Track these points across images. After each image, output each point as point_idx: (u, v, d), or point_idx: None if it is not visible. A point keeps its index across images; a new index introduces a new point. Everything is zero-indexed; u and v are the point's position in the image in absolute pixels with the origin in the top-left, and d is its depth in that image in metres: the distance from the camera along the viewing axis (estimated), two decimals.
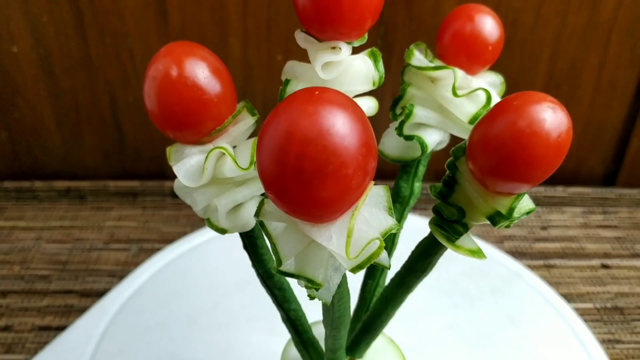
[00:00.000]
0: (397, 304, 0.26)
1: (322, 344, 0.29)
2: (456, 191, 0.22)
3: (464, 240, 0.23)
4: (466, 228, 0.22)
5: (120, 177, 0.56)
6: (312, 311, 0.29)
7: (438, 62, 0.25)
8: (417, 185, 0.27)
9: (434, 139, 0.26)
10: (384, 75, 0.24)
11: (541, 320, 0.45)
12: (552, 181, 0.59)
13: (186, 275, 0.48)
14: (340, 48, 0.22)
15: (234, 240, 0.50)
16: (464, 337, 0.44)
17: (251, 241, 0.26)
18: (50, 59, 0.50)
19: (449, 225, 0.22)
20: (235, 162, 0.22)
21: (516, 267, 0.49)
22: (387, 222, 0.19)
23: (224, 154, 0.23)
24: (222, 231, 0.24)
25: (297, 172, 0.17)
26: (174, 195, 0.56)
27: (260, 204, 0.21)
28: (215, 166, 0.23)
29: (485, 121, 0.20)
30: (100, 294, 0.46)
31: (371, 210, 0.20)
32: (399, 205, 0.27)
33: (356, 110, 0.18)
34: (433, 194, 0.23)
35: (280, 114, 0.18)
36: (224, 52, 0.50)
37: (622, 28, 0.50)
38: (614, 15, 0.50)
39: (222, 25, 0.49)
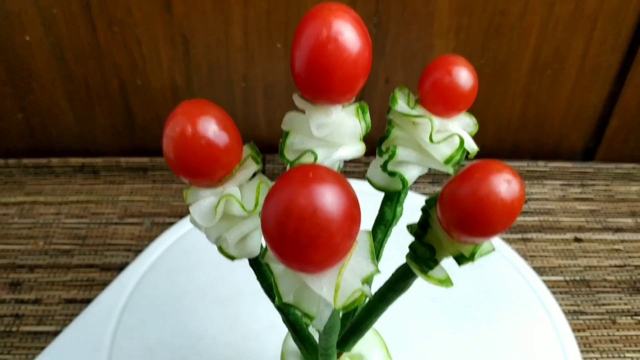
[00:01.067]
0: (379, 313, 0.31)
1: (317, 338, 0.34)
2: (428, 232, 0.26)
3: (435, 272, 0.27)
4: (436, 263, 0.27)
5: (130, 153, 0.60)
6: None
7: (419, 109, 0.29)
8: (399, 209, 0.31)
9: (413, 174, 0.29)
10: (370, 125, 0.27)
11: (514, 293, 0.50)
12: (534, 156, 0.62)
13: (195, 251, 0.53)
14: (332, 111, 0.26)
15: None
16: (442, 309, 0.49)
17: (256, 261, 0.30)
18: (62, 47, 0.53)
19: (422, 260, 0.27)
20: (243, 207, 0.26)
21: (495, 241, 0.54)
22: (369, 268, 0.24)
23: (232, 199, 0.26)
24: (232, 258, 0.29)
25: (294, 242, 0.21)
26: None
27: (265, 250, 0.25)
28: (225, 207, 0.27)
29: (453, 184, 0.24)
30: (118, 267, 0.51)
31: (356, 260, 0.24)
32: (383, 227, 0.31)
33: (343, 187, 0.22)
34: (410, 232, 0.27)
35: (281, 192, 0.21)
36: (225, 41, 0.53)
37: (607, 16, 0.53)
38: (600, 4, 0.52)
39: (224, 15, 0.51)
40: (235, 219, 0.28)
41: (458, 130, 0.29)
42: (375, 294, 0.30)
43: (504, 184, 0.23)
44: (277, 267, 0.25)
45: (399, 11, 0.52)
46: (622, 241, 0.55)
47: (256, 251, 0.29)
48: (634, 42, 0.54)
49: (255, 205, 0.27)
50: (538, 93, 0.58)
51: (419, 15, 0.52)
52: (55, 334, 0.46)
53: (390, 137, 0.29)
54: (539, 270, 0.52)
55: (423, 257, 0.26)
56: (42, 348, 0.45)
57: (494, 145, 0.62)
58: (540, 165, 0.61)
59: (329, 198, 0.21)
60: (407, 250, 0.27)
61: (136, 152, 0.60)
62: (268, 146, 0.60)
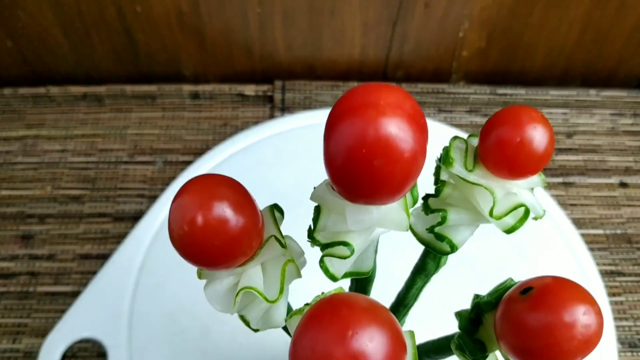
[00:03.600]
0: None
1: None
2: (480, 329, 0.23)
3: None
4: (485, 358, 0.23)
5: (136, 81, 0.54)
6: None
7: (478, 169, 0.24)
8: (443, 260, 0.27)
9: (465, 237, 0.25)
10: (418, 197, 0.23)
11: (549, 251, 0.47)
12: (585, 83, 0.56)
13: None
14: (372, 210, 0.21)
15: (259, 158, 0.50)
16: (471, 269, 0.46)
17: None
18: None
19: (470, 355, 0.24)
20: (265, 298, 0.23)
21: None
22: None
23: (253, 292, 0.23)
24: (255, 330, 0.26)
25: None
26: (192, 97, 0.54)
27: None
28: (244, 296, 0.24)
29: (521, 308, 0.20)
30: (132, 217, 0.49)
31: None
32: (424, 277, 0.28)
33: (388, 331, 0.18)
34: (459, 326, 0.24)
35: (314, 347, 0.18)
36: None
37: None
38: None
39: None
40: (256, 299, 0.25)
41: (523, 197, 0.24)
42: None
43: (583, 318, 0.19)
44: None
45: None
46: None
47: (281, 323, 0.26)
48: None
49: (280, 292, 0.23)
50: (600, 18, 0.50)
51: None
52: (73, 294, 0.45)
53: (441, 197, 0.24)
54: (578, 223, 0.49)
55: (472, 353, 0.23)
56: (62, 311, 0.44)
57: (543, 71, 0.55)
58: (592, 95, 0.55)
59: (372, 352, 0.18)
60: (450, 344, 0.24)
61: (142, 79, 0.54)
62: (288, 72, 0.54)
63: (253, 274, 0.23)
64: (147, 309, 0.45)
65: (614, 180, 0.52)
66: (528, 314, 0.20)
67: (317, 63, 0.54)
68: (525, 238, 0.48)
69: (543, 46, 0.52)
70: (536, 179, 0.25)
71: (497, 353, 0.24)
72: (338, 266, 0.22)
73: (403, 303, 0.30)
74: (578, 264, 0.47)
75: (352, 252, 0.22)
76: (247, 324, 0.26)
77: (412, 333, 0.21)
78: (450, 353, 0.26)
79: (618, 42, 0.52)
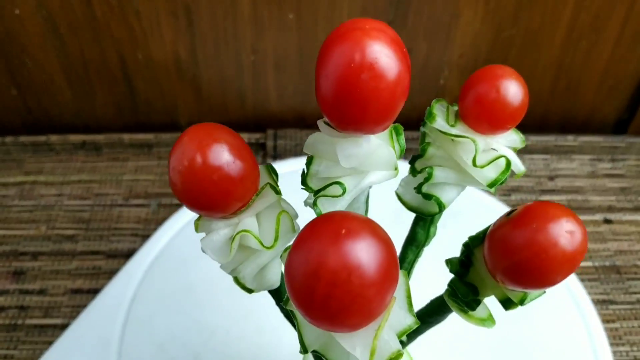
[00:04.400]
0: (409, 342, 0.28)
1: None
2: (471, 272, 0.24)
3: (477, 312, 0.24)
4: (478, 303, 0.24)
5: (134, 129, 0.56)
6: None
7: (460, 126, 0.25)
8: (433, 230, 0.28)
9: (451, 197, 0.26)
10: (405, 148, 0.24)
11: None
12: (563, 129, 0.59)
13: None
14: (361, 142, 0.22)
15: None
16: None
17: (279, 295, 0.28)
18: (54, 21, 0.48)
19: (463, 300, 0.24)
20: (261, 242, 0.24)
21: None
22: (407, 321, 0.21)
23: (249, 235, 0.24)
24: (249, 291, 0.26)
25: (324, 307, 0.18)
26: None
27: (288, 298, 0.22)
28: (240, 241, 0.24)
29: (506, 228, 0.21)
30: (125, 254, 0.49)
31: (393, 314, 0.21)
32: (415, 248, 0.29)
33: (380, 240, 0.19)
34: (450, 270, 0.24)
35: (309, 251, 0.19)
36: (233, 11, 0.48)
37: None
38: None
39: None
40: (251, 251, 0.25)
41: (504, 151, 0.25)
42: None
43: (566, 235, 0.20)
44: (302, 321, 0.22)
45: None
46: None
47: (276, 283, 0.26)
48: None
49: (275, 240, 0.24)
50: (571, 64, 0.53)
51: None
52: (63, 327, 0.45)
53: (426, 155, 0.26)
54: None
55: (464, 297, 0.24)
56: (49, 343, 0.44)
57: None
58: (569, 140, 0.57)
59: (364, 258, 0.18)
60: (443, 293, 0.25)
61: (140, 128, 0.56)
62: (280, 121, 0.57)
63: (248, 224, 0.24)
64: (137, 340, 0.44)
65: (598, 217, 0.53)
66: (512, 232, 0.21)
67: (307, 112, 0.56)
68: None
69: None
70: (515, 137, 0.26)
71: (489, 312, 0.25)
72: (331, 208, 0.23)
73: None
74: (570, 293, 0.47)
75: (344, 190, 0.23)
76: (242, 286, 0.26)
77: (405, 272, 0.22)
78: (445, 312, 0.26)
79: (590, 89, 0.56)
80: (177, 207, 0.53)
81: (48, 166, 0.55)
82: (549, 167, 0.57)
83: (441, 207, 0.26)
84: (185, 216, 0.51)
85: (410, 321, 0.21)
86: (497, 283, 0.22)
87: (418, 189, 0.26)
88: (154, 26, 0.49)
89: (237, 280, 0.26)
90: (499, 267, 0.21)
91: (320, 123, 0.23)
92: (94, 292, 0.46)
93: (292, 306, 0.22)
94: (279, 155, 0.55)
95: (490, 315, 0.24)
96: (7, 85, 0.53)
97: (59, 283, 0.47)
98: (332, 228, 0.19)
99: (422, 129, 0.27)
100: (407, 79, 0.21)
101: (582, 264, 0.50)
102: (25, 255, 0.49)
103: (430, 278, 0.32)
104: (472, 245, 0.23)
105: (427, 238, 0.28)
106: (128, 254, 0.49)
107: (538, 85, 0.55)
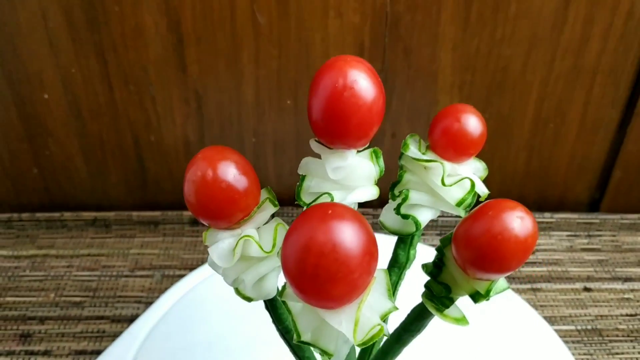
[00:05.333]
0: (395, 356, 0.31)
1: None
2: (443, 271, 0.27)
3: (451, 311, 0.27)
4: (451, 301, 0.27)
5: (142, 207, 0.61)
6: None
7: (430, 154, 0.30)
8: (413, 252, 0.32)
9: (426, 217, 0.30)
10: (383, 169, 0.28)
11: (526, 343, 0.50)
12: (540, 208, 0.63)
13: (205, 303, 0.53)
14: (347, 155, 0.27)
15: None
16: (455, 354, 0.48)
17: (272, 303, 0.31)
18: (78, 104, 0.55)
19: (438, 299, 0.27)
20: (261, 247, 0.27)
21: (505, 292, 0.54)
22: (387, 305, 0.24)
23: (250, 240, 0.27)
24: (249, 299, 0.29)
25: (313, 277, 0.22)
26: (192, 223, 0.61)
27: (283, 288, 0.26)
28: (243, 248, 0.28)
29: (467, 223, 0.25)
30: (129, 319, 0.51)
31: (374, 296, 0.24)
32: (397, 270, 0.32)
33: (362, 224, 0.22)
34: (425, 272, 0.28)
35: (301, 229, 0.22)
36: (237, 98, 0.54)
37: (606, 72, 0.55)
38: (597, 60, 0.54)
39: (236, 74, 0.53)
40: (252, 261, 0.29)
41: (469, 174, 0.30)
42: (391, 335, 0.30)
43: (517, 220, 0.24)
44: (295, 306, 0.26)
45: (404, 69, 0.54)
46: (632, 290, 0.55)
47: (273, 292, 0.29)
48: (633, 97, 0.56)
49: (273, 246, 0.27)
50: (541, 146, 0.59)
51: (424, 73, 0.54)
52: None
53: (403, 181, 0.30)
54: (550, 320, 0.52)
55: (439, 295, 0.27)
56: None
57: (500, 197, 0.62)
58: (547, 217, 0.62)
59: (348, 234, 0.22)
60: (421, 295, 0.28)
61: (148, 206, 0.61)
62: (278, 200, 0.61)
63: (250, 234, 0.28)
64: None
65: (578, 286, 0.56)
66: (473, 224, 0.25)
67: None
68: (503, 332, 0.50)
69: (497, 174, 0.61)
70: (479, 165, 0.31)
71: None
72: None
73: None
74: (555, 354, 0.49)
75: (332, 200, 0.27)
76: (242, 296, 0.29)
77: (385, 271, 0.25)
78: (425, 317, 0.29)
79: (561, 170, 0.61)
80: (180, 277, 0.56)
81: (60, 241, 0.59)
82: None
83: (418, 226, 0.30)
84: (188, 284, 0.54)
85: (390, 305, 0.24)
86: (466, 277, 0.26)
87: (397, 210, 0.30)
88: (167, 111, 0.55)
89: (237, 291, 0.29)
90: (465, 258, 0.25)
91: (311, 142, 0.28)
92: (97, 353, 0.48)
93: (287, 296, 0.25)
94: None
95: (464, 317, 0.27)
96: (29, 165, 0.58)
97: (64, 345, 0.49)
98: (320, 211, 0.23)
99: (399, 161, 0.31)
100: (382, 100, 0.26)
101: (565, 327, 0.52)
102: (33, 319, 0.51)
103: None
104: (443, 245, 0.26)
105: (407, 260, 0.32)
106: (132, 319, 0.51)
107: (513, 167, 0.60)
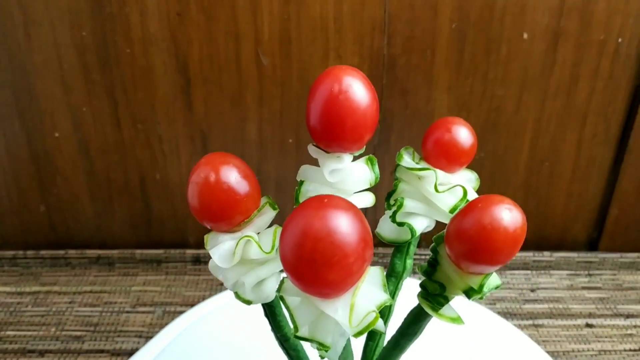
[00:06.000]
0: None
1: None
2: (438, 270, 0.28)
3: (446, 310, 0.28)
4: (447, 300, 0.28)
5: (146, 246, 0.61)
6: None
7: (423, 164, 0.31)
8: (409, 262, 0.33)
9: (421, 225, 0.31)
10: (379, 176, 0.30)
11: None
12: (540, 247, 0.64)
13: (205, 337, 0.53)
14: (343, 158, 0.28)
15: (249, 307, 0.55)
16: None
17: (271, 310, 0.31)
18: (87, 143, 0.57)
19: (433, 297, 0.28)
20: (260, 247, 0.28)
21: (507, 327, 0.54)
22: (382, 297, 0.25)
23: (251, 241, 0.28)
24: (248, 302, 0.30)
25: (310, 261, 0.22)
26: (194, 262, 0.61)
27: (281, 283, 0.26)
28: (243, 250, 0.29)
29: (458, 217, 0.26)
30: (128, 353, 0.51)
31: (369, 288, 0.25)
32: (394, 279, 0.33)
33: (356, 213, 0.24)
34: (420, 272, 0.28)
35: (298, 217, 0.23)
36: (241, 137, 0.56)
37: (596, 111, 0.57)
38: (588, 100, 0.56)
39: (241, 113, 0.55)
40: (252, 264, 0.29)
41: (461, 182, 0.31)
42: (389, 342, 0.31)
43: (506, 211, 0.25)
44: (294, 300, 0.26)
45: (402, 109, 0.56)
46: (635, 326, 0.55)
47: (272, 295, 0.30)
48: (624, 135, 0.58)
49: (272, 247, 0.28)
50: (537, 185, 0.60)
51: (420, 113, 0.57)
52: None
53: (398, 190, 0.32)
54: (553, 355, 0.52)
55: (434, 293, 0.27)
56: None
57: None
58: (546, 255, 0.62)
59: (343, 221, 0.23)
60: (417, 295, 0.29)
61: (151, 244, 0.62)
62: None
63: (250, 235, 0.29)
64: None
65: (580, 322, 0.56)
66: (464, 218, 0.26)
67: None
68: None
69: None
70: (471, 176, 0.32)
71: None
72: None
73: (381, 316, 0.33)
74: None
75: None
76: (242, 299, 0.30)
77: (381, 268, 0.26)
78: (421, 320, 0.29)
79: (558, 209, 0.62)
80: (181, 313, 0.56)
81: (63, 279, 0.59)
82: (529, 281, 0.61)
83: (413, 233, 0.31)
84: (188, 319, 0.54)
85: (385, 297, 0.25)
86: (460, 272, 0.26)
87: (393, 218, 0.31)
88: (173, 149, 0.57)
89: (237, 295, 0.30)
90: (457, 252, 0.26)
91: (310, 147, 0.29)
92: None
93: (285, 290, 0.26)
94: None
95: (459, 317, 0.28)
96: (37, 203, 0.59)
97: None
98: (316, 202, 0.24)
99: (395, 173, 0.32)
100: (376, 106, 0.27)
101: None
102: (33, 352, 0.51)
103: None
104: (437, 243, 0.27)
105: (404, 269, 0.33)
106: (131, 353, 0.51)
107: None
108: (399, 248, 0.33)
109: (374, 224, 0.31)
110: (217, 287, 0.59)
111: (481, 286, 0.26)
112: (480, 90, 0.56)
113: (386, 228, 0.32)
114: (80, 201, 0.60)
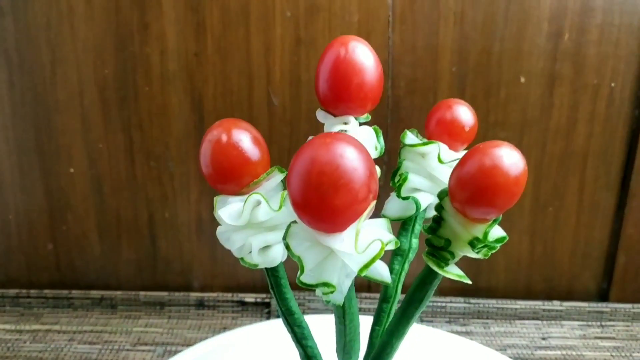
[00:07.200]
0: (401, 336, 0.30)
1: None
2: (442, 226, 0.28)
3: (452, 268, 0.28)
4: (452, 255, 0.28)
5: (150, 288, 0.61)
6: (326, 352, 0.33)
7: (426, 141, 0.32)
8: (415, 241, 0.33)
9: (426, 200, 0.32)
10: (384, 148, 0.31)
11: None
12: (549, 296, 0.63)
13: None
14: (350, 121, 0.29)
15: (251, 344, 0.53)
16: None
17: (276, 280, 0.31)
18: (101, 179, 0.58)
19: (439, 253, 0.28)
20: (269, 204, 0.29)
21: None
22: (388, 236, 0.25)
23: (259, 201, 0.29)
24: (254, 266, 0.30)
25: (317, 185, 0.23)
26: (198, 306, 0.60)
27: (287, 228, 0.27)
28: (251, 213, 0.29)
29: (460, 165, 0.27)
30: None
31: (375, 228, 0.26)
32: (400, 258, 0.33)
33: (362, 147, 0.25)
34: (425, 230, 0.29)
35: (306, 148, 0.24)
36: None
37: (595, 154, 0.58)
38: (587, 143, 0.58)
39: None
40: (260, 228, 0.30)
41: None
42: (396, 312, 0.30)
43: (506, 153, 0.26)
44: (299, 245, 0.26)
45: None
46: None
47: (277, 260, 0.30)
48: (625, 179, 0.59)
49: (280, 206, 0.29)
50: (543, 231, 0.61)
51: None
52: None
53: (402, 167, 0.33)
54: None
55: (439, 247, 0.28)
56: None
57: (508, 286, 0.62)
58: (556, 305, 0.61)
59: (348, 151, 0.24)
60: (422, 254, 0.29)
61: (156, 286, 0.61)
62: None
63: (258, 197, 0.30)
64: None
65: None
66: (465, 164, 0.26)
67: None
68: None
69: (502, 260, 0.62)
70: None
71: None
72: None
73: (386, 297, 0.33)
74: None
75: None
76: (248, 264, 0.30)
77: (388, 220, 0.27)
78: (427, 284, 0.29)
79: (565, 256, 0.62)
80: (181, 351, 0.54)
81: (64, 319, 0.58)
82: (540, 330, 0.59)
83: (418, 206, 0.31)
84: (188, 356, 0.52)
85: (392, 237, 0.26)
86: (465, 222, 0.27)
87: (398, 193, 0.32)
88: (183, 186, 0.58)
89: (243, 260, 0.30)
90: (460, 198, 0.26)
91: (318, 112, 0.30)
92: None
93: (290, 235, 0.26)
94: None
95: (464, 275, 0.28)
96: (45, 240, 0.60)
97: None
98: (323, 136, 0.25)
99: (399, 154, 0.34)
100: (380, 70, 0.29)
101: None
102: None
103: None
104: (441, 198, 0.28)
105: (410, 247, 0.33)
106: None
107: (517, 253, 0.61)
108: (405, 226, 0.33)
109: None
110: (221, 330, 0.58)
111: (485, 234, 0.27)
112: (482, 132, 0.58)
113: (392, 207, 0.33)
114: (89, 239, 0.60)
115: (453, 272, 0.28)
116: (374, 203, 0.25)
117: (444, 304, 0.61)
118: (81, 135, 0.57)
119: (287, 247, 0.26)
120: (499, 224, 0.28)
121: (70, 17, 0.54)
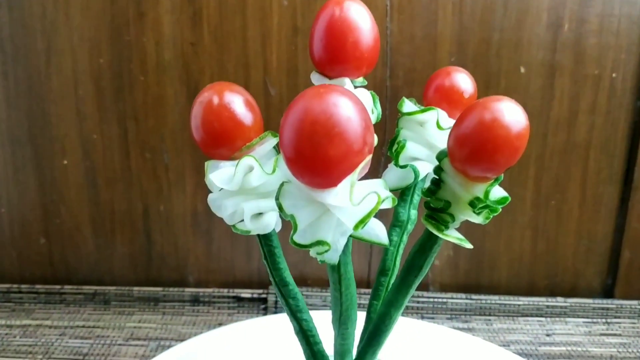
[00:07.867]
0: (399, 307, 0.29)
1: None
2: (442, 188, 0.27)
3: (452, 232, 0.27)
4: (452, 218, 0.27)
5: (144, 283, 0.60)
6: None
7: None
8: (413, 212, 0.32)
9: (424, 169, 0.31)
10: (381, 114, 0.30)
11: None
12: (552, 293, 0.61)
13: None
14: (345, 83, 0.29)
15: (246, 339, 0.52)
16: None
17: (270, 249, 0.30)
18: (95, 171, 0.57)
19: (439, 216, 0.27)
20: (261, 167, 0.28)
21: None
22: (385, 192, 0.24)
23: (252, 166, 0.28)
24: (246, 232, 0.29)
25: (310, 134, 0.22)
26: (193, 302, 0.59)
27: (280, 187, 0.26)
28: (244, 178, 0.28)
29: (459, 121, 0.26)
30: None
31: (372, 184, 0.25)
32: (398, 229, 0.32)
33: (357, 99, 0.24)
34: (424, 193, 0.28)
35: (299, 99, 0.23)
36: None
37: (597, 147, 0.57)
38: (589, 135, 0.57)
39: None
40: (253, 194, 0.29)
41: None
42: (395, 280, 0.29)
43: (507, 107, 0.25)
44: (293, 205, 0.25)
45: None
46: None
47: (270, 227, 0.29)
48: (628, 172, 0.58)
49: (273, 170, 0.28)
50: (545, 225, 0.59)
51: None
52: None
53: (400, 136, 0.32)
54: None
55: (438, 209, 0.26)
56: None
57: (510, 282, 0.61)
58: (560, 301, 0.60)
59: (342, 101, 0.23)
60: (422, 218, 0.27)
61: (150, 282, 0.60)
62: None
63: (251, 161, 0.29)
64: None
65: None
66: (464, 120, 0.25)
67: (306, 270, 0.60)
68: None
69: (504, 256, 0.60)
70: None
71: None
72: None
73: (384, 270, 0.32)
74: None
75: None
76: (240, 230, 0.29)
77: (384, 180, 0.26)
78: (429, 250, 0.28)
79: (568, 251, 0.60)
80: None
81: (56, 315, 0.57)
82: (544, 327, 0.58)
83: (416, 174, 0.30)
84: (181, 350, 0.51)
85: (388, 193, 0.25)
86: (465, 182, 0.26)
87: (396, 162, 0.31)
88: (179, 179, 0.57)
89: (235, 227, 0.29)
90: (460, 155, 0.25)
91: (313, 74, 0.30)
92: None
93: (282, 193, 0.25)
94: (280, 309, 0.57)
95: (464, 238, 0.27)
96: (38, 234, 0.59)
97: None
98: (316, 87, 0.24)
99: (397, 123, 0.33)
100: (376, 30, 0.29)
101: None
102: None
103: None
104: (439, 158, 0.27)
105: (408, 219, 0.32)
106: None
107: (519, 248, 0.60)
108: (403, 197, 0.32)
109: None
110: (215, 326, 0.57)
111: (487, 193, 0.26)
112: None
113: (390, 177, 0.32)
114: (82, 233, 0.59)
115: (453, 235, 0.27)
116: (369, 157, 0.24)
117: (445, 300, 0.60)
118: (75, 126, 0.56)
119: (280, 207, 0.25)
120: (500, 184, 0.27)
121: (66, 6, 0.54)
